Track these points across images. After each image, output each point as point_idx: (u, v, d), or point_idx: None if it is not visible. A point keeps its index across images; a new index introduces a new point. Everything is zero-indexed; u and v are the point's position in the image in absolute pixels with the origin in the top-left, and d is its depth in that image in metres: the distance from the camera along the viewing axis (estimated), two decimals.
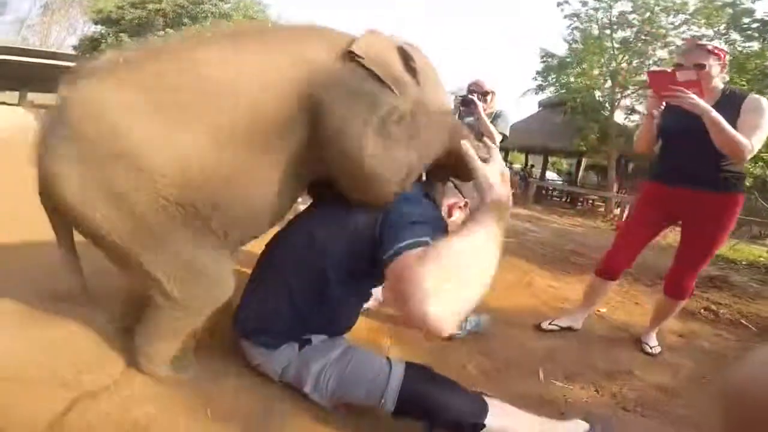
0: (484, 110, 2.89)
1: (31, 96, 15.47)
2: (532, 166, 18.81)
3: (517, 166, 18.33)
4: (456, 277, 0.89)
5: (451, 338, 2.05)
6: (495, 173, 1.14)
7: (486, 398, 1.21)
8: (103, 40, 14.33)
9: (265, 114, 1.15)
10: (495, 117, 3.04)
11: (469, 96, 2.88)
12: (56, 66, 13.25)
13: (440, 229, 1.19)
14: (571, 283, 3.65)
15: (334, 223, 1.28)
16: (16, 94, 15.74)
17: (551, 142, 14.57)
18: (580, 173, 18.22)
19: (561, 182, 18.84)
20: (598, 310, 2.92)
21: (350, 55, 1.20)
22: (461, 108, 2.95)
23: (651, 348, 2.27)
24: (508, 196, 1.14)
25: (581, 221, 10.22)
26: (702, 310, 3.15)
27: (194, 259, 1.18)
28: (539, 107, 16.43)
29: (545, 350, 2.18)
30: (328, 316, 1.33)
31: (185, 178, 1.10)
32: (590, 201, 14.81)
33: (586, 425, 1.31)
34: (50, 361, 1.18)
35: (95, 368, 1.21)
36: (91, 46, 14.40)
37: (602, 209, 13.04)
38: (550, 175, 20.43)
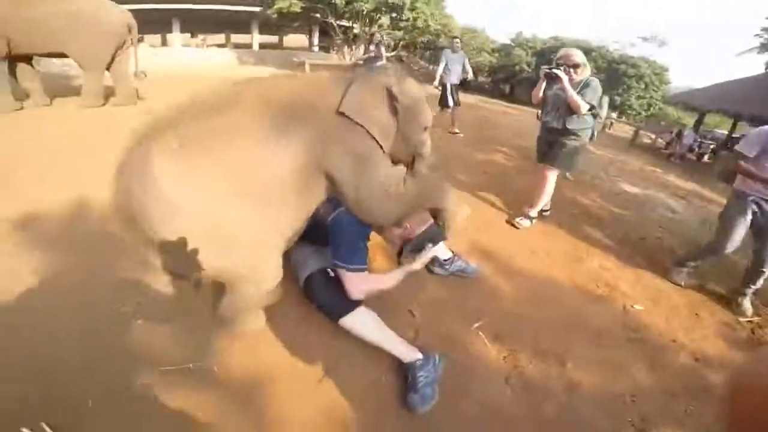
0: (571, 80, 3.05)
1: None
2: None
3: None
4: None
5: (431, 272, 2.30)
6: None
7: (364, 308, 1.78)
8: None
9: (292, 167, 1.52)
10: (583, 86, 3.07)
11: (555, 71, 3.06)
12: (251, 12, 16.14)
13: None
14: (639, 278, 3.06)
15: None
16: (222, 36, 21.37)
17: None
18: None
19: None
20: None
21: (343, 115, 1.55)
22: (548, 80, 3.17)
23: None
24: None
25: None
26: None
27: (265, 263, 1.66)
28: (766, 68, 12.77)
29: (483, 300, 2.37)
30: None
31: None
32: None
33: (419, 355, 1.72)
34: None
35: None
36: None
37: None
38: None
